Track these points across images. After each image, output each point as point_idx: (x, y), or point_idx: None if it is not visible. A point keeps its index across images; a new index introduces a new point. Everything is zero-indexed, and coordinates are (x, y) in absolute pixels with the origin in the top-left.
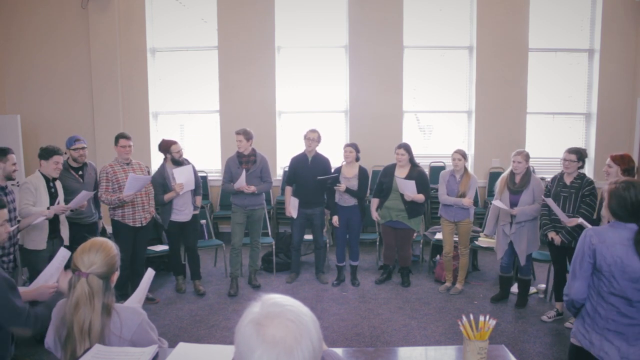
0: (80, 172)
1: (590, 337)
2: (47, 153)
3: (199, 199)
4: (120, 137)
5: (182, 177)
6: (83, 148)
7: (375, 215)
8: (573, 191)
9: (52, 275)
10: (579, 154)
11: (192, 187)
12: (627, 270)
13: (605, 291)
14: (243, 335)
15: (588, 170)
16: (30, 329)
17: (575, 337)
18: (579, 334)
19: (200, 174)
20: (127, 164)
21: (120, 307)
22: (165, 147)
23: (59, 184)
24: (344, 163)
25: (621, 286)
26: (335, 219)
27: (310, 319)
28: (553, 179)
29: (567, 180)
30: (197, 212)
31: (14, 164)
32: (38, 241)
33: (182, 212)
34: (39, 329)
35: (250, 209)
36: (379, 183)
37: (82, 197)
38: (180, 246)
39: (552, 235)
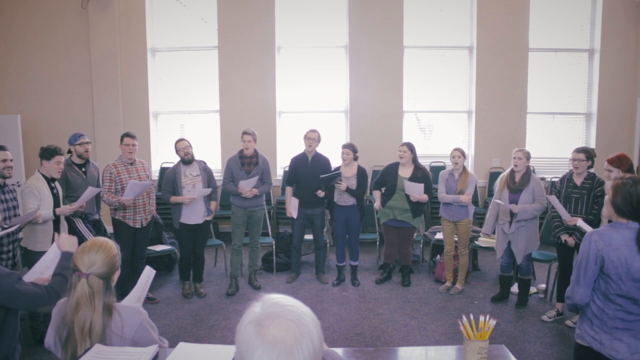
0: (83, 169)
1: (600, 338)
2: (49, 153)
3: (213, 204)
4: (124, 135)
5: (195, 193)
6: (88, 143)
7: (378, 204)
8: (585, 192)
9: (47, 267)
10: (588, 153)
11: (203, 196)
12: (632, 271)
13: (612, 293)
14: (243, 335)
15: None
16: (53, 302)
17: (583, 338)
18: (588, 336)
19: None
20: (131, 164)
21: (121, 307)
22: (175, 144)
23: (58, 185)
24: (343, 163)
25: (627, 287)
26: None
27: (311, 319)
28: (562, 180)
29: (578, 181)
30: (209, 217)
31: (4, 160)
32: (44, 243)
33: (193, 215)
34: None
35: (250, 210)
36: (381, 179)
37: (89, 194)
38: (191, 252)
39: (565, 237)
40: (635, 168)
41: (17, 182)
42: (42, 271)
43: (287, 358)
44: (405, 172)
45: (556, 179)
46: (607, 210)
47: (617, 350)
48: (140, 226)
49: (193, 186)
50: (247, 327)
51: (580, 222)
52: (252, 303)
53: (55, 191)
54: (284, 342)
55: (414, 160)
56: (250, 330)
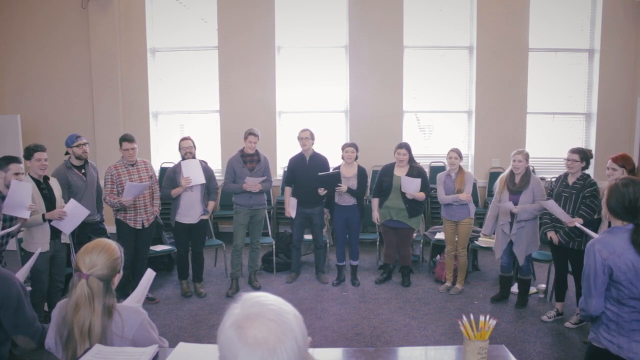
0: (83, 171)
1: (618, 342)
2: (28, 152)
3: (211, 204)
4: (122, 140)
5: (189, 171)
6: (85, 144)
7: (376, 216)
8: (574, 192)
9: (22, 275)
10: (582, 154)
11: (202, 181)
12: (639, 272)
13: (625, 297)
14: (225, 338)
15: (588, 171)
16: (35, 342)
17: (599, 342)
18: (605, 341)
19: None
20: (132, 165)
21: (121, 307)
22: (179, 142)
23: (54, 183)
24: (344, 163)
25: (638, 289)
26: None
27: (294, 317)
28: (557, 179)
29: (570, 180)
30: (206, 217)
31: (17, 174)
32: (41, 243)
33: (188, 214)
34: (40, 346)
35: (254, 209)
36: (379, 182)
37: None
38: (188, 250)
39: (550, 234)
40: (636, 169)
41: None
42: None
43: (271, 358)
44: (400, 171)
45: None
46: (604, 212)
47: (635, 352)
48: (141, 227)
49: (191, 189)
50: (228, 330)
51: (579, 224)
52: (231, 304)
53: (45, 192)
54: (266, 342)
55: (410, 159)
56: (231, 333)
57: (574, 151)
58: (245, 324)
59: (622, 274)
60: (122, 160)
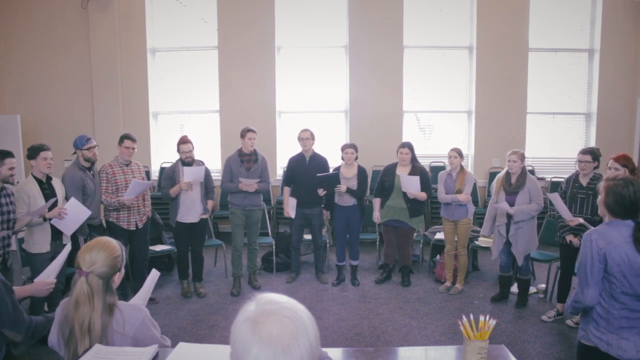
0: (91, 172)
1: (607, 339)
2: (33, 152)
3: (210, 203)
4: (125, 137)
5: (191, 177)
6: (96, 146)
7: (377, 216)
8: (590, 192)
9: (54, 271)
10: (594, 154)
11: (200, 183)
12: (634, 267)
13: (617, 292)
14: (239, 334)
15: None
16: (21, 335)
17: (589, 339)
18: (594, 337)
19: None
20: (127, 165)
21: (123, 305)
22: (178, 143)
23: (57, 183)
24: (344, 163)
25: (631, 284)
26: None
27: (307, 316)
28: (568, 180)
29: (584, 181)
30: (206, 216)
31: (11, 168)
32: (41, 244)
33: (189, 213)
34: (29, 338)
35: (249, 209)
36: (380, 182)
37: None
38: (188, 250)
39: (570, 238)
40: (636, 169)
41: (17, 182)
42: (48, 274)
43: (284, 355)
44: (403, 170)
45: (556, 179)
46: (600, 210)
47: (624, 349)
48: (134, 228)
49: (190, 188)
50: (242, 325)
51: (582, 220)
52: (246, 302)
53: (47, 191)
54: (281, 339)
55: (412, 159)
56: (245, 328)
57: (586, 152)
58: (260, 320)
59: (616, 265)
60: (117, 159)
